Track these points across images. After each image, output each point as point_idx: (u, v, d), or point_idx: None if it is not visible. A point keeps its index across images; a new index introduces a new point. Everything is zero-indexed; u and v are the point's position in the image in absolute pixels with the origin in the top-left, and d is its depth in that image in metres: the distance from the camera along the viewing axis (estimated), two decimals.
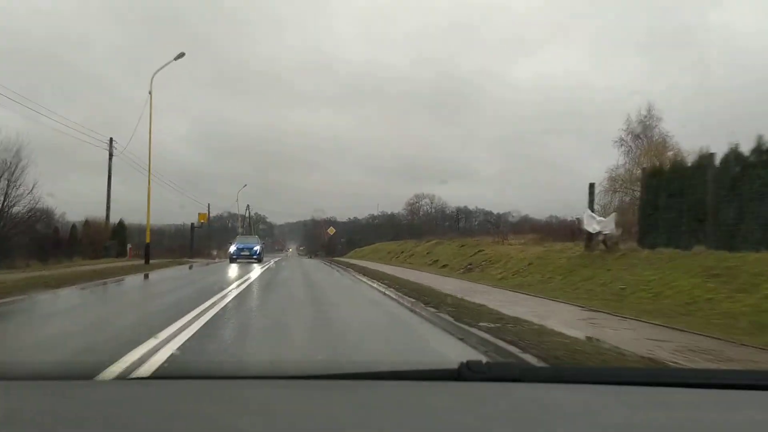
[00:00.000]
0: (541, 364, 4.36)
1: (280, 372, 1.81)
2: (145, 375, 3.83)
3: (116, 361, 4.57)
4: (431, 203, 71.71)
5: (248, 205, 75.54)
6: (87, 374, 2.08)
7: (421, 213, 71.30)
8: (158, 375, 3.11)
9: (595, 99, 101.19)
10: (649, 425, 1.26)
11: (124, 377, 3.62)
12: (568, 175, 73.78)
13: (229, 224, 79.62)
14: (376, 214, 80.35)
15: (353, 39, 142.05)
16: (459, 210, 72.18)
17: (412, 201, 71.39)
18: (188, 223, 54.13)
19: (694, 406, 1.44)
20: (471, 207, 72.17)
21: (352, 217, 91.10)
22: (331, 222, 79.68)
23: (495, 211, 66.08)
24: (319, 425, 1.22)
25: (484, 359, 1.67)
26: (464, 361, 1.60)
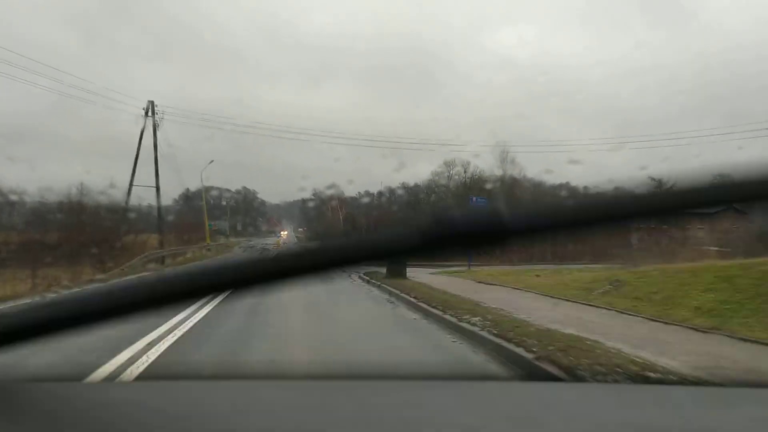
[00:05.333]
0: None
1: (278, 373, 1.79)
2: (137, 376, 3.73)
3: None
4: (465, 172, 49.79)
5: (151, 102, 30.65)
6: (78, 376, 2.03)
7: (452, 186, 50.20)
8: (153, 375, 3.02)
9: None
10: (646, 423, 1.25)
11: (115, 378, 3.55)
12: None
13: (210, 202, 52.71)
14: (382, 190, 65.47)
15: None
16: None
17: (439, 171, 50.32)
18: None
19: (691, 403, 1.44)
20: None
21: (362, 191, 76.78)
22: (338, 198, 64.42)
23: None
24: (317, 426, 1.21)
25: None
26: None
